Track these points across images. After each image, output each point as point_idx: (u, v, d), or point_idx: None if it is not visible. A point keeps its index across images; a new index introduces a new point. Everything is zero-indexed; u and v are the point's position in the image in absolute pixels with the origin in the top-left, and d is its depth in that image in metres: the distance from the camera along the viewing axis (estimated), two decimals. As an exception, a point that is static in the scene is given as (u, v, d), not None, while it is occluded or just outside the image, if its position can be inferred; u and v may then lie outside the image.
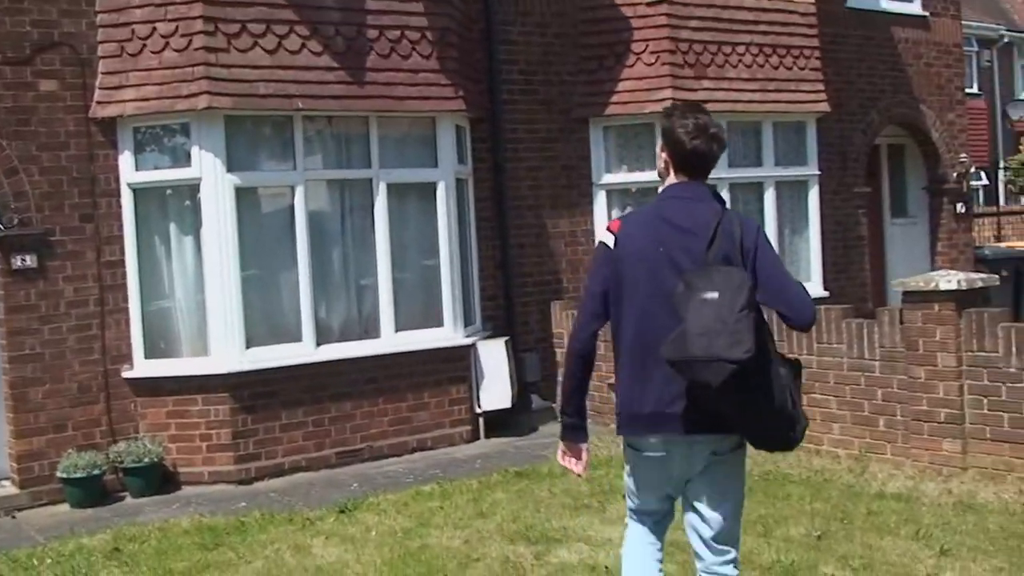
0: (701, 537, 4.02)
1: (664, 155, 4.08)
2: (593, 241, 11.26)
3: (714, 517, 3.98)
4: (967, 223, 14.94)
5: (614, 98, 11.09)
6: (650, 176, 11.04)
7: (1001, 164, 21.64)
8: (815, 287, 12.28)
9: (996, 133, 26.39)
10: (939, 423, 7.48)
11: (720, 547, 4.02)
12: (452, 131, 9.82)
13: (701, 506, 3.99)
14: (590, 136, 11.26)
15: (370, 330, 9.46)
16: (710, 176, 4.04)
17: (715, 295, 3.69)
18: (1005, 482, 7.13)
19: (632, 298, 3.95)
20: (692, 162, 4.00)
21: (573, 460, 4.34)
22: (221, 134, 8.69)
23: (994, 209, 18.35)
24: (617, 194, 11.37)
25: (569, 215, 11.14)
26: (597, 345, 4.20)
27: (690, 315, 3.68)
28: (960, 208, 14.57)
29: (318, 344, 9.12)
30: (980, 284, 7.41)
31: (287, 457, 8.94)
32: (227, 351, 8.74)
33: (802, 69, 12.02)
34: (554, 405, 10.72)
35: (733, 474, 4.02)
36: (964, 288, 7.30)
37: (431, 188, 9.70)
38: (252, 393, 8.80)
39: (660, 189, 4.15)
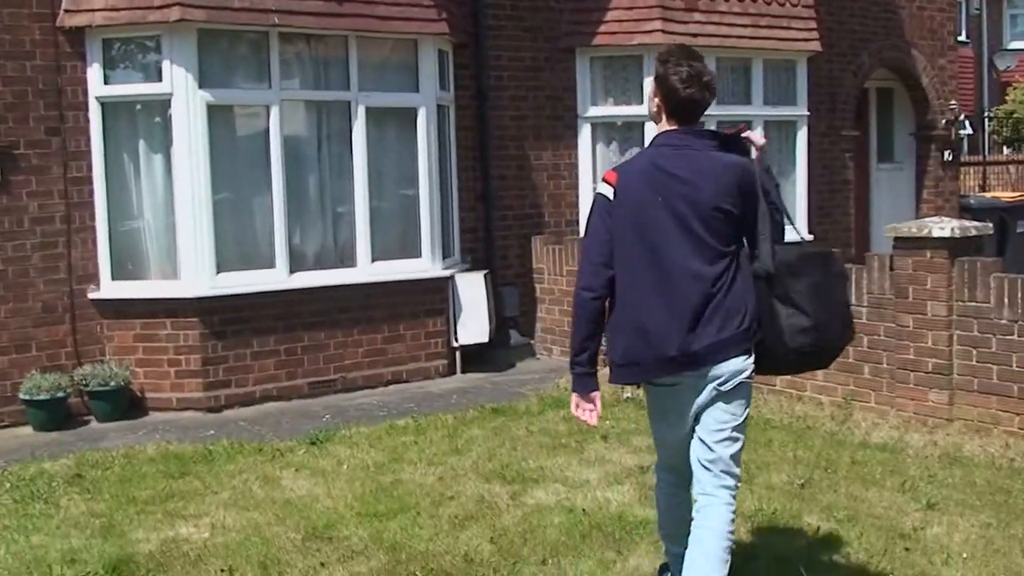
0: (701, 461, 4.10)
1: (656, 100, 4.12)
2: (577, 175, 11.02)
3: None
4: (954, 171, 14.76)
5: (602, 28, 10.77)
6: (636, 110, 10.80)
7: (986, 114, 21.45)
8: (800, 230, 12.04)
9: (982, 83, 26.15)
10: (926, 373, 7.32)
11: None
12: (434, 55, 9.50)
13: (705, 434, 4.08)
14: (576, 66, 10.94)
15: (346, 259, 9.20)
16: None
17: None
18: (991, 435, 6.99)
19: (635, 248, 3.99)
20: (685, 109, 4.06)
21: (588, 410, 4.22)
22: (194, 49, 8.34)
23: (980, 159, 18.17)
24: (602, 127, 11.09)
25: (553, 147, 10.86)
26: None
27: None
28: (948, 156, 14.37)
29: (291, 271, 8.85)
30: (974, 232, 7.23)
31: (258, 386, 8.72)
32: (197, 275, 8.46)
33: (794, 6, 11.72)
34: (532, 341, 10.54)
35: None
36: (958, 236, 7.11)
37: (411, 114, 9.40)
38: (223, 319, 8.55)
39: (654, 135, 4.19)
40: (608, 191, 4.06)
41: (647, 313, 3.95)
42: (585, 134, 11.01)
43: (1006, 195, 15.88)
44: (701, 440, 4.06)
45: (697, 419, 4.06)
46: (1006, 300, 6.88)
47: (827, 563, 5.06)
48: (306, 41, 8.96)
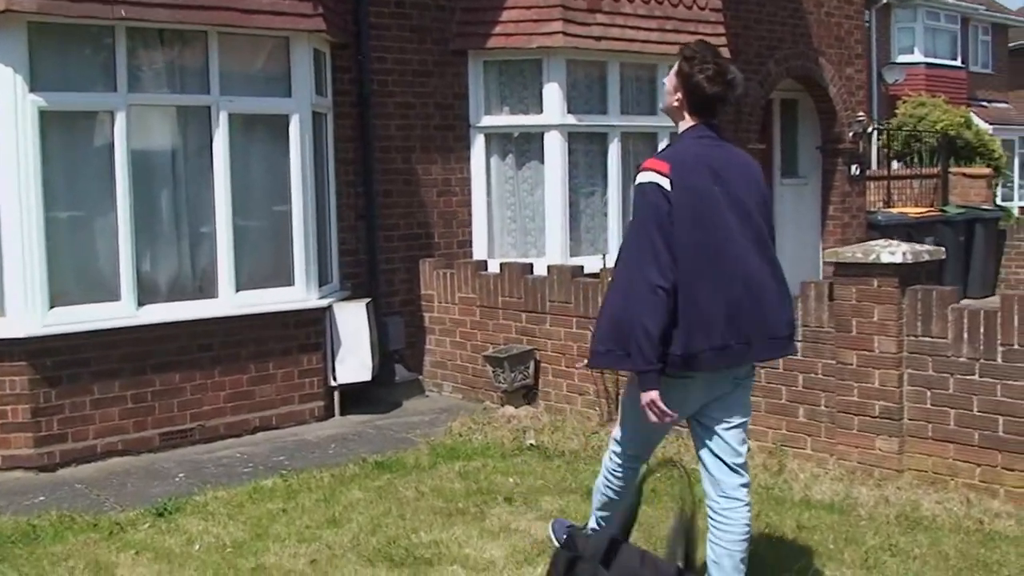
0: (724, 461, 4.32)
1: (678, 95, 4.25)
2: (468, 192, 9.97)
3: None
4: (861, 186, 14.11)
5: (497, 29, 9.75)
6: (535, 119, 9.85)
7: (873, 127, 21.04)
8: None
9: (872, 96, 25.92)
10: (872, 417, 6.44)
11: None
12: (309, 56, 8.34)
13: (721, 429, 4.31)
14: (468, 71, 9.90)
15: (205, 288, 7.96)
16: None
17: None
18: (948, 489, 6.14)
19: (704, 238, 4.02)
20: (711, 107, 4.24)
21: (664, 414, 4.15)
22: (23, 44, 7.05)
23: (884, 173, 17.67)
24: (497, 139, 10.07)
25: (443, 161, 9.79)
26: None
27: None
28: (855, 170, 13.71)
29: (140, 304, 7.59)
30: (927, 257, 6.38)
31: (100, 439, 7.44)
32: (26, 310, 7.16)
33: (702, 9, 10.87)
34: (420, 377, 9.45)
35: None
36: (909, 262, 6.25)
37: (283, 122, 8.22)
38: (57, 362, 7.25)
39: (680, 131, 4.32)
40: (664, 181, 4.03)
41: (731, 302, 4.05)
42: (478, 146, 9.97)
43: (912, 210, 15.34)
44: (724, 440, 4.30)
45: (702, 413, 4.30)
46: (965, 335, 6.04)
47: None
48: (159, 37, 7.72)
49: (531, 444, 7.45)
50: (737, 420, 4.30)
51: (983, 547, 5.34)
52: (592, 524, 4.89)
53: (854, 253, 6.40)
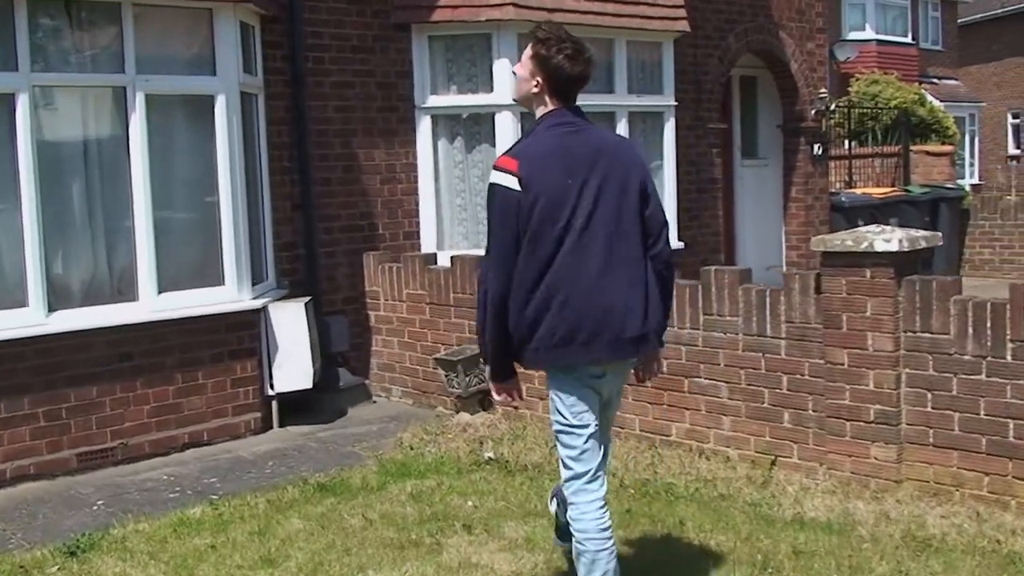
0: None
1: (537, 79, 4.02)
2: (415, 179, 9.24)
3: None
4: (824, 166, 13.53)
5: (443, 1, 9.01)
6: (486, 99, 9.16)
7: (828, 106, 20.55)
8: (670, 237, 10.57)
9: (824, 74, 25.44)
10: (866, 423, 5.83)
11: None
12: (235, 29, 7.55)
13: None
14: (412, 47, 9.15)
15: (124, 291, 7.18)
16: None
17: None
18: (953, 501, 5.55)
19: (562, 234, 3.88)
20: (574, 88, 4.05)
21: (512, 391, 4.25)
22: (-96, 19, 6.25)
23: (845, 152, 17.14)
24: (445, 120, 9.34)
25: (386, 145, 9.05)
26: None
27: None
28: (818, 150, 13.11)
29: (51, 310, 6.79)
30: (923, 244, 5.77)
31: (9, 462, 6.64)
32: (-83, 321, 6.35)
33: (659, -19, 10.22)
34: (367, 381, 8.73)
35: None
36: (906, 249, 5.63)
37: (208, 103, 7.44)
38: (-45, 377, 6.46)
39: (539, 116, 4.10)
40: (511, 181, 3.87)
41: (596, 295, 3.88)
42: (424, 128, 9.23)
43: (876, 191, 14.84)
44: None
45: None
46: (970, 330, 5.43)
47: None
48: (65, 9, 6.91)
49: (489, 457, 6.77)
50: (611, 413, 4.32)
51: (1004, 572, 4.74)
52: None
53: (844, 241, 5.77)
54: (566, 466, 4.05)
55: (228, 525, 5.72)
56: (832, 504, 5.67)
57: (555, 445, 4.13)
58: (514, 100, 4.30)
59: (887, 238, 5.63)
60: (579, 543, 4.00)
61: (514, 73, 4.16)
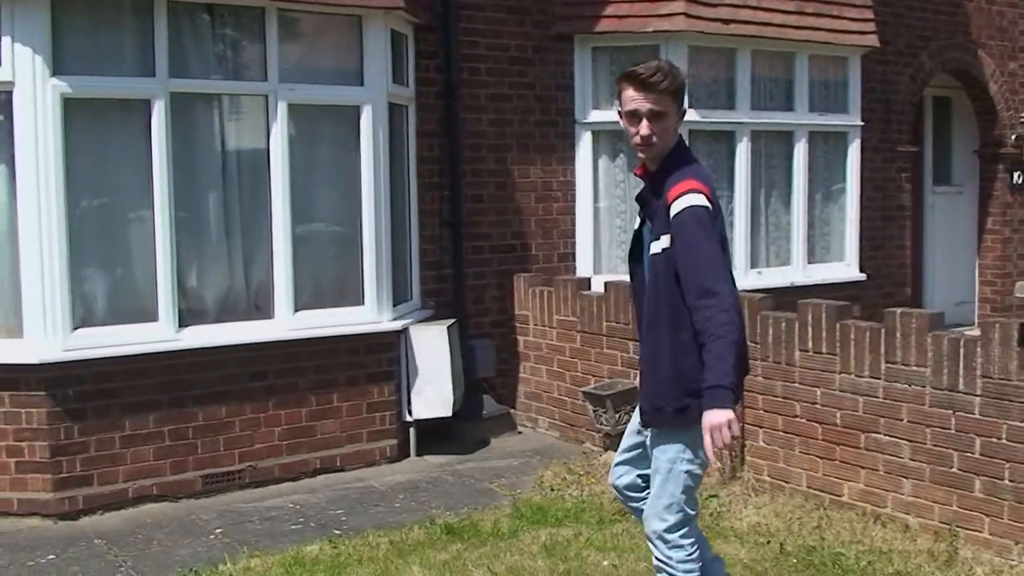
0: None
1: (682, 111, 3.79)
2: (572, 197, 8.70)
3: None
4: (1024, 196, 12.40)
5: (608, 11, 8.45)
6: (651, 115, 8.46)
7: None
8: (851, 267, 9.77)
9: None
10: (1077, 500, 4.99)
11: None
12: (386, 37, 7.18)
13: None
14: (575, 59, 8.61)
15: (260, 308, 6.87)
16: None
17: None
18: None
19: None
20: None
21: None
22: (45, 20, 6.04)
23: (1047, 180, 15.81)
24: (607, 136, 8.76)
25: (543, 161, 8.54)
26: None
27: None
28: (1018, 178, 11.99)
29: (182, 325, 6.52)
30: None
31: (131, 482, 6.39)
32: (46, 331, 6.15)
33: (847, -10, 9.42)
34: (512, 411, 8.22)
35: None
36: None
37: (354, 114, 7.08)
38: (82, 392, 6.23)
39: (674, 148, 3.80)
40: (709, 205, 3.66)
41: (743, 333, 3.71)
42: (585, 144, 8.68)
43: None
44: None
45: None
46: None
47: None
48: (207, 12, 6.65)
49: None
50: None
51: None
52: None
53: (1060, 289, 4.95)
54: (684, 511, 3.81)
55: (344, 568, 5.27)
56: (1031, 594, 4.85)
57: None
58: (653, 151, 3.74)
59: (1110, 286, 4.79)
60: None
61: (646, 118, 3.68)
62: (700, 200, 3.62)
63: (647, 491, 3.97)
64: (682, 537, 3.79)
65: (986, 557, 5.26)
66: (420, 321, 7.52)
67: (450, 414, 7.42)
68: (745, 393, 5.84)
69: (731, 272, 3.70)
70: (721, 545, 5.52)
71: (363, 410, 7.16)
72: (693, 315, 3.57)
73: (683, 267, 3.60)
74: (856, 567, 5.21)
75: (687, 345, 3.65)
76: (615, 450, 7.12)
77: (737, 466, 6.50)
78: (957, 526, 5.48)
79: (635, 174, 3.97)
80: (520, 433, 8.14)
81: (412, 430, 7.41)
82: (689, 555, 3.80)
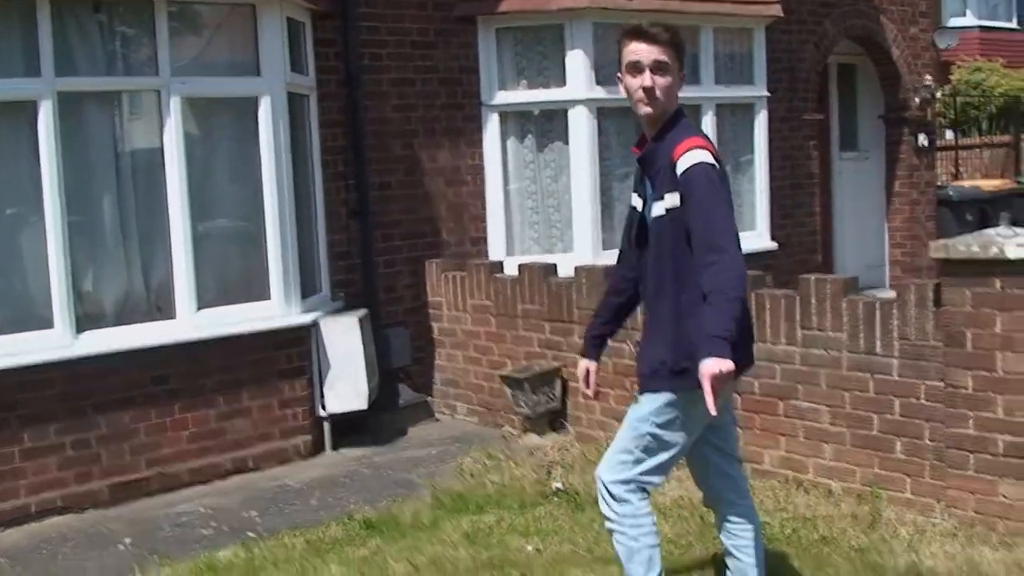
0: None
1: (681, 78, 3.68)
2: (483, 180, 8.57)
3: None
4: (930, 158, 12.52)
5: (510, -11, 8.33)
6: (557, 94, 8.48)
7: (934, 94, 19.39)
8: (762, 237, 9.77)
9: (929, 61, 24.20)
10: (995, 455, 4.98)
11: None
12: (282, 25, 6.96)
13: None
14: (479, 41, 8.45)
15: (162, 309, 6.62)
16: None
17: None
18: (1102, 549, 4.68)
19: None
20: None
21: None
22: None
23: (951, 143, 16.05)
24: (514, 117, 8.64)
25: (451, 145, 8.38)
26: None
27: None
28: (924, 141, 12.13)
29: (79, 331, 6.26)
30: (1064, 247, 4.90)
31: (33, 496, 6.11)
32: (-67, 344, 5.86)
33: (749, -38, 9.41)
34: (429, 398, 8.08)
35: None
36: (1044, 254, 4.78)
37: (252, 106, 6.86)
38: (-25, 405, 5.95)
39: (673, 115, 3.67)
40: (714, 161, 3.54)
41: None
42: (492, 127, 8.54)
43: (986, 183, 13.77)
44: (727, 453, 3.90)
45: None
46: None
47: None
48: (94, 8, 6.38)
49: (558, 489, 6.04)
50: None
51: None
52: None
53: (969, 246, 4.92)
54: (638, 471, 3.69)
55: (259, 572, 5.09)
56: (953, 551, 4.84)
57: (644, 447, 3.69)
58: (657, 109, 3.62)
59: (1021, 243, 4.78)
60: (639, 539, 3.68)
61: (649, 69, 3.58)
62: (708, 157, 3.51)
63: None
64: (629, 492, 3.65)
65: (909, 517, 5.25)
66: (331, 313, 7.34)
67: (365, 406, 7.24)
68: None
69: (738, 237, 3.53)
70: (645, 523, 5.45)
71: (274, 408, 6.96)
72: (701, 273, 3.42)
73: (694, 224, 3.46)
74: (781, 535, 5.16)
75: (691, 306, 3.51)
76: (537, 433, 7.08)
77: (658, 442, 6.43)
78: (879, 488, 5.47)
79: (633, 151, 3.85)
80: (438, 420, 8.00)
81: (327, 424, 7.23)
82: (636, 510, 3.66)
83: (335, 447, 7.24)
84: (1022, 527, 4.91)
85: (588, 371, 4.08)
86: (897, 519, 5.24)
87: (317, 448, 7.16)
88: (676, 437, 3.64)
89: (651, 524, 3.69)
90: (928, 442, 5.27)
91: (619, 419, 6.69)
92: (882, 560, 4.83)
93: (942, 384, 5.15)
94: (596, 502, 5.68)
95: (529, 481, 6.24)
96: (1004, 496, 4.98)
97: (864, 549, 4.96)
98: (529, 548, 5.18)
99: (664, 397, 3.59)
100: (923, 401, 5.26)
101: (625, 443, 3.69)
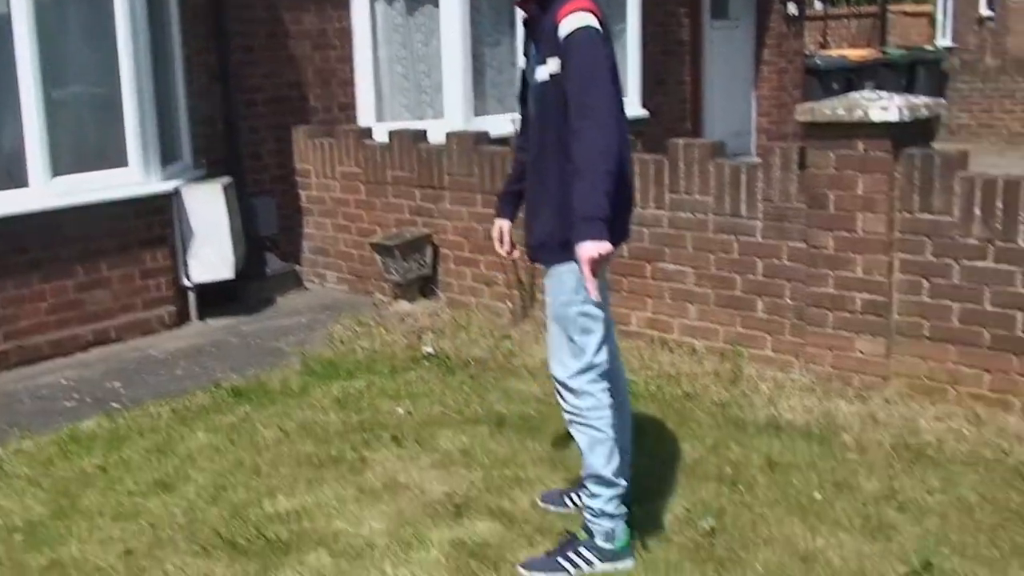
0: None
1: None
2: (351, 44, 8.33)
3: None
4: (799, 27, 12.62)
5: None
6: (427, -48, 8.17)
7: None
8: (633, 105, 9.76)
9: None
10: (852, 313, 5.14)
11: None
12: None
13: None
14: None
15: (13, 175, 6.30)
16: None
17: None
18: (947, 400, 4.90)
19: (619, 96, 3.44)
20: None
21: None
22: None
23: (819, 12, 16.19)
24: (381, -24, 8.40)
25: (316, 8, 8.10)
26: None
27: None
28: (792, 9, 12.20)
29: (-77, 198, 5.95)
30: (925, 114, 4.98)
31: None
32: None
33: None
34: (298, 268, 7.95)
35: None
36: (907, 120, 4.86)
37: (100, -42, 6.49)
38: None
39: None
40: (598, 25, 3.40)
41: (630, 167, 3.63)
42: (359, -13, 8.29)
43: (853, 53, 13.98)
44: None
45: None
46: (977, 211, 4.71)
47: None
48: None
49: (429, 352, 6.05)
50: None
51: (1012, 489, 4.10)
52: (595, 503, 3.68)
53: (834, 109, 4.97)
54: (587, 356, 3.54)
55: (123, 441, 4.99)
56: (811, 404, 5.01)
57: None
58: None
59: (884, 106, 4.85)
60: (603, 429, 3.57)
61: None
62: (591, 20, 3.37)
63: None
64: (588, 383, 3.54)
65: (769, 373, 5.40)
66: (193, 181, 7.11)
67: (232, 275, 7.09)
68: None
69: (621, 101, 3.43)
70: (515, 383, 5.52)
71: (136, 278, 6.76)
72: (572, 143, 3.32)
73: (570, 88, 3.34)
74: (646, 392, 5.27)
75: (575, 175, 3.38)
76: (408, 300, 7.05)
77: (528, 305, 6.47)
78: (741, 346, 5.60)
79: (516, 5, 3.72)
80: (307, 290, 7.90)
81: (192, 295, 7.07)
82: (599, 402, 3.56)
83: (201, 317, 7.10)
84: (876, 381, 5.10)
85: (502, 230, 4.01)
86: (758, 375, 5.39)
87: (182, 318, 7.01)
88: (600, 306, 3.53)
89: (612, 415, 3.59)
90: (789, 301, 5.41)
91: (489, 284, 6.76)
92: (743, 414, 4.98)
93: (804, 245, 5.26)
94: (467, 365, 5.81)
95: (400, 347, 6.23)
96: (860, 352, 5.16)
97: (726, 404, 5.10)
98: (400, 411, 5.19)
99: (568, 270, 3.45)
100: (785, 262, 5.38)
101: (562, 333, 3.56)
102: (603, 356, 3.56)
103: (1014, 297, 4.65)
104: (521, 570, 3.64)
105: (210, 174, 7.36)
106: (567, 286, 3.48)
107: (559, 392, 3.61)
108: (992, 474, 4.23)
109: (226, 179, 7.21)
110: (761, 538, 3.78)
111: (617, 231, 3.44)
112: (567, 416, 3.63)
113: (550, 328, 3.63)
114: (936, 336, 4.92)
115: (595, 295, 3.34)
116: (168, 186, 6.82)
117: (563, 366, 3.56)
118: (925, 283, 4.91)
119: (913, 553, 3.62)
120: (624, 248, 5.91)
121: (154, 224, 6.80)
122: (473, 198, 6.76)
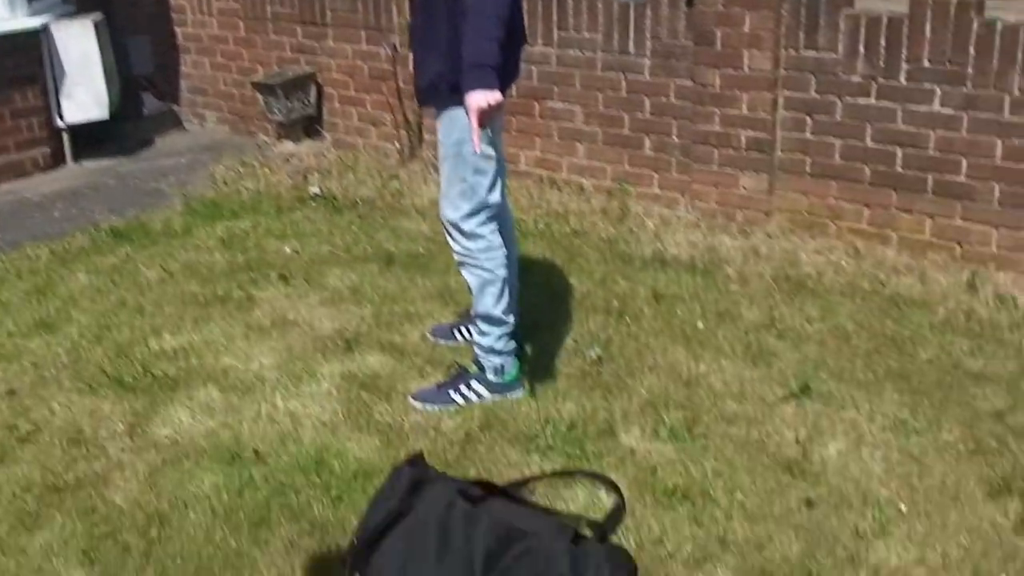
0: None
1: None
2: None
3: None
4: None
5: None
6: None
7: None
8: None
9: None
10: (736, 149, 5.19)
11: None
12: None
13: None
14: None
15: None
16: None
17: None
18: (828, 234, 5.03)
19: None
20: None
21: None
22: None
23: None
24: None
25: None
26: None
27: None
28: None
29: None
30: (810, -56, 4.97)
31: None
32: None
33: None
34: (176, 108, 7.71)
35: None
36: (790, -50, 4.84)
37: None
38: None
39: None
40: None
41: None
42: None
43: None
44: None
45: None
46: (861, 48, 4.75)
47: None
48: None
49: (315, 193, 5.96)
50: None
51: (887, 317, 4.26)
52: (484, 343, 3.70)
53: (721, -60, 4.93)
54: (479, 197, 3.48)
55: (2, 283, 4.86)
56: (695, 239, 5.10)
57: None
58: None
59: (767, -66, 4.82)
60: (493, 270, 3.56)
61: None
62: None
63: None
64: (480, 225, 3.49)
65: (656, 210, 5.46)
66: (62, 17, 6.77)
67: (107, 116, 6.82)
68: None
69: None
70: (404, 222, 5.49)
71: (6, 118, 6.47)
72: None
73: None
74: (535, 230, 5.30)
75: (466, 15, 3.20)
76: (292, 140, 6.90)
77: (416, 145, 6.40)
78: (628, 184, 5.64)
79: None
80: (187, 131, 7.66)
81: (66, 136, 6.80)
82: (490, 244, 3.52)
83: (76, 159, 6.85)
84: (759, 216, 5.20)
85: None
86: (644, 212, 5.45)
87: (57, 161, 6.76)
88: (493, 144, 3.45)
89: (503, 256, 3.56)
90: (675, 139, 5.44)
91: (376, 124, 6.65)
92: (629, 249, 5.05)
93: (691, 83, 5.26)
94: (354, 205, 5.75)
95: (285, 187, 6.12)
96: (744, 188, 5.23)
97: (613, 240, 5.16)
98: (287, 250, 5.14)
99: (461, 117, 3.32)
100: (672, 100, 5.38)
101: (455, 174, 3.47)
102: (496, 196, 3.52)
103: (895, 134, 4.74)
104: (412, 400, 3.68)
105: (81, 10, 7.00)
106: (459, 124, 3.37)
107: (449, 234, 3.57)
108: (869, 304, 4.38)
109: (98, 15, 6.87)
110: (646, 365, 3.88)
111: (509, 71, 3.37)
112: (457, 258, 3.60)
113: (442, 169, 3.56)
114: (818, 172, 5.02)
115: (479, 147, 3.27)
116: (35, 22, 6.48)
117: (454, 207, 3.50)
118: (808, 120, 4.97)
119: (792, 377, 3.75)
120: (513, 88, 5.88)
121: (22, 62, 6.48)
122: (357, 35, 6.58)
